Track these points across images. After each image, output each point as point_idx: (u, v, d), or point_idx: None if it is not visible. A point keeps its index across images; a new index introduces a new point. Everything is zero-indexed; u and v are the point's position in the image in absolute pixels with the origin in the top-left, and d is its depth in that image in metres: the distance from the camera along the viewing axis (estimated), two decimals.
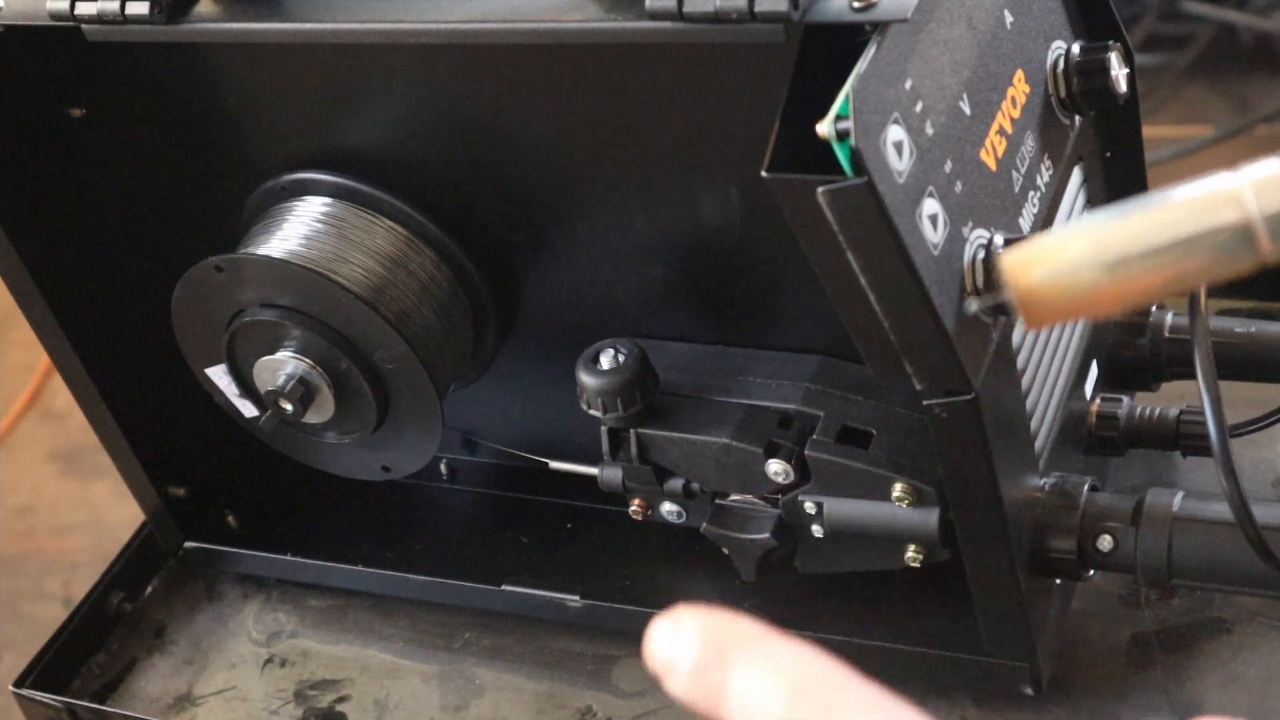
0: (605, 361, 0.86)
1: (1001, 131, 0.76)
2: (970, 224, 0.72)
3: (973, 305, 0.53)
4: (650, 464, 0.88)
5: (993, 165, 0.75)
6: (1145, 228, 0.46)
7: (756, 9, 0.69)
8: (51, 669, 0.98)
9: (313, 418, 0.91)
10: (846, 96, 0.65)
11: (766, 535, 0.88)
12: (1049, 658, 0.85)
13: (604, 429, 0.88)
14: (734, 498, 0.89)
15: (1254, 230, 0.45)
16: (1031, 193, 0.78)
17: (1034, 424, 0.81)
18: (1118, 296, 0.47)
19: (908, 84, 0.69)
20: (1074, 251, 0.47)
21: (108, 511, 1.99)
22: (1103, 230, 0.47)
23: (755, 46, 0.71)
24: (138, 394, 0.97)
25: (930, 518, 0.82)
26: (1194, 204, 0.46)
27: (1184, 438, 0.89)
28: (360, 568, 0.99)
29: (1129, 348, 0.92)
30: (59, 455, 2.11)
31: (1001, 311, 0.50)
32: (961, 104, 0.73)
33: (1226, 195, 0.45)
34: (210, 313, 0.91)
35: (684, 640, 0.42)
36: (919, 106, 0.69)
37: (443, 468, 1.03)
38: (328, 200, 0.89)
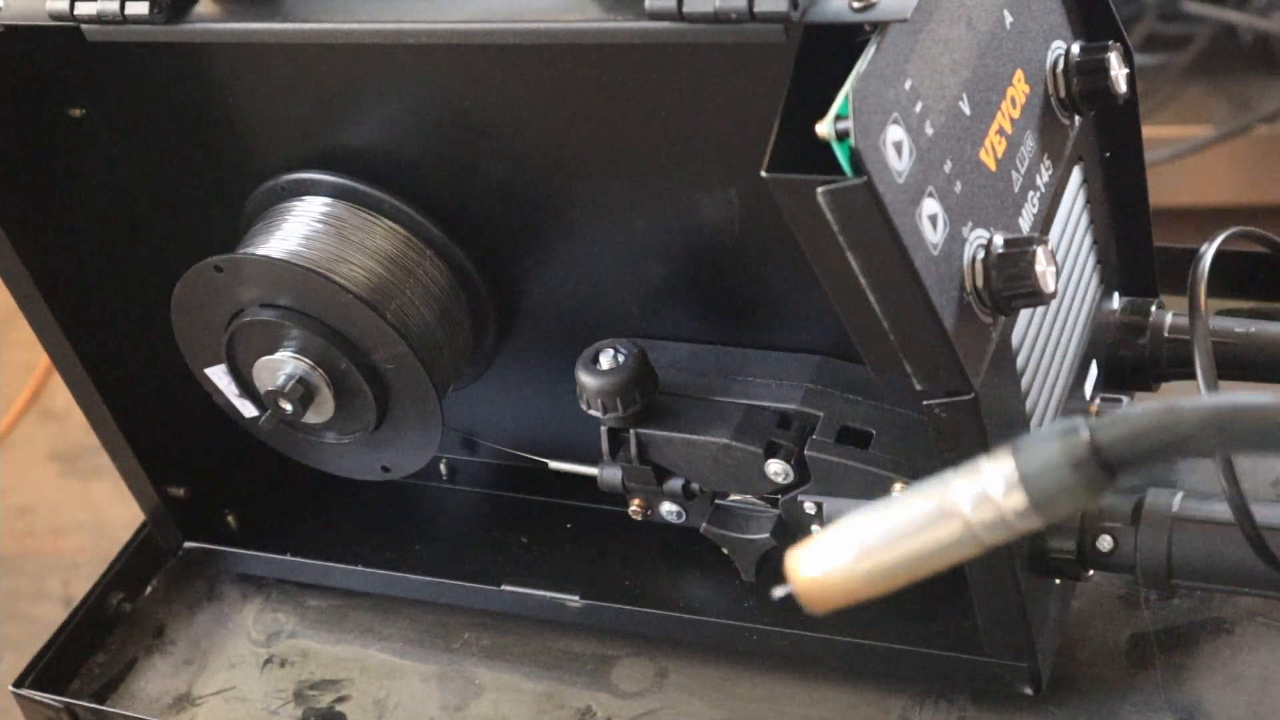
0: (605, 361, 0.86)
1: (1001, 131, 0.76)
2: (970, 224, 0.72)
3: (778, 592, 0.60)
4: (650, 464, 0.88)
5: (992, 165, 0.75)
6: (895, 544, 0.57)
7: (756, 9, 0.69)
8: (51, 669, 0.98)
9: (312, 418, 0.91)
10: (846, 96, 0.65)
11: (766, 535, 0.88)
12: (1049, 658, 0.85)
13: (604, 429, 0.88)
14: (734, 498, 0.89)
15: (974, 535, 0.56)
16: (1031, 193, 0.78)
17: (1034, 424, 0.81)
18: (875, 589, 0.57)
19: (907, 84, 0.69)
20: (838, 556, 0.57)
21: (108, 511, 1.99)
22: (865, 546, 0.57)
23: (755, 46, 0.71)
24: (138, 394, 0.97)
25: None
26: (926, 520, 0.57)
27: None
28: (360, 568, 0.99)
29: (1129, 348, 0.92)
30: (59, 455, 2.11)
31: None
32: (961, 104, 0.73)
33: (951, 511, 0.56)
34: (210, 313, 0.91)
35: None
36: (919, 106, 0.69)
37: (443, 468, 1.03)
38: (328, 200, 0.89)
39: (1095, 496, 0.55)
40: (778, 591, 0.59)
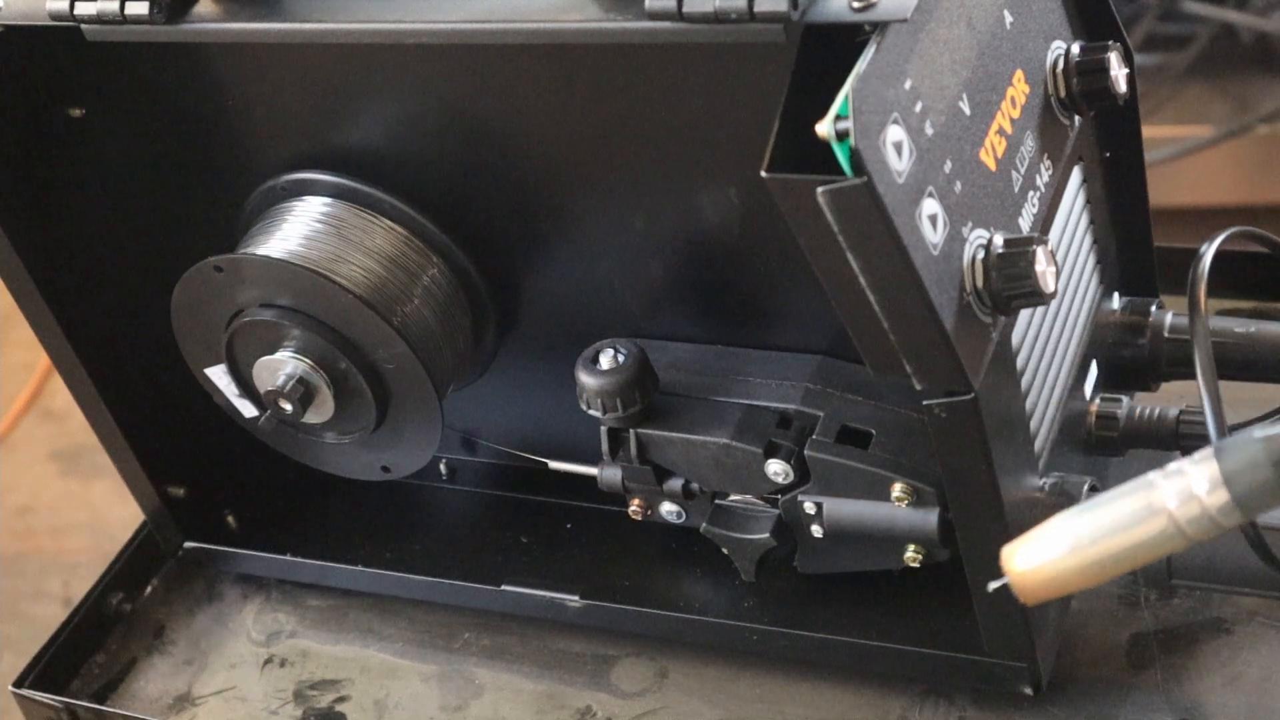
0: (605, 361, 0.86)
1: (1001, 131, 0.76)
2: (970, 224, 0.72)
3: (993, 586, 0.66)
4: (650, 464, 0.88)
5: (992, 165, 0.75)
6: (1102, 536, 0.62)
7: (756, 9, 0.69)
8: (51, 669, 0.98)
9: (312, 418, 0.91)
10: (846, 96, 0.65)
11: (766, 535, 0.88)
12: (1049, 658, 0.85)
13: (604, 429, 0.88)
14: (734, 498, 0.89)
15: (1180, 531, 0.61)
16: (1031, 193, 0.78)
17: (1034, 424, 0.81)
18: (1085, 581, 0.63)
19: (907, 84, 0.69)
20: (1052, 550, 0.63)
21: (108, 511, 1.99)
22: (1077, 541, 0.63)
23: (755, 46, 0.71)
24: (138, 394, 0.97)
25: (930, 518, 0.82)
26: (1134, 517, 0.62)
27: (1184, 438, 0.89)
28: (360, 568, 0.99)
29: (1129, 348, 0.92)
30: (59, 455, 2.11)
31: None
32: (961, 104, 0.73)
33: (1157, 508, 0.61)
34: (210, 313, 0.91)
35: None
36: (919, 106, 0.69)
37: (443, 468, 1.03)
38: (327, 200, 0.89)
39: None
40: (993, 585, 0.65)
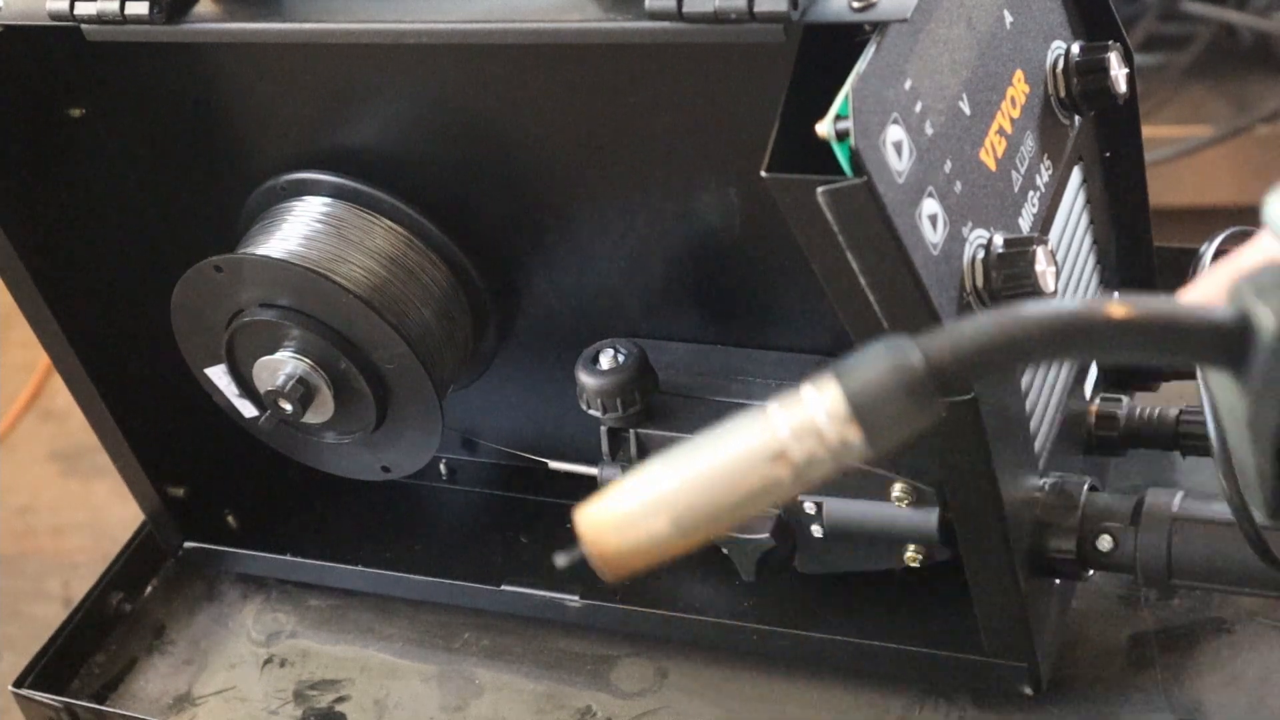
0: (605, 361, 0.86)
1: (1001, 131, 0.76)
2: (970, 224, 0.72)
3: (560, 560, 0.54)
4: None
5: (992, 165, 0.75)
6: (706, 490, 0.51)
7: (756, 9, 0.69)
8: (51, 669, 0.98)
9: (312, 418, 0.91)
10: (846, 96, 0.65)
11: (766, 535, 0.88)
12: (1049, 658, 0.85)
13: (604, 429, 0.88)
14: None
15: (799, 476, 0.51)
16: (1031, 192, 0.78)
17: (1034, 424, 0.81)
18: (688, 548, 0.52)
19: (907, 84, 0.69)
20: (644, 520, 0.51)
21: (108, 511, 1.99)
22: (668, 497, 0.51)
23: (755, 46, 0.71)
24: (138, 394, 0.97)
25: (930, 518, 0.82)
26: (743, 460, 0.51)
27: (1184, 438, 0.89)
28: (360, 568, 0.99)
29: None
30: (59, 455, 2.11)
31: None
32: (961, 104, 0.73)
33: (773, 448, 0.50)
34: (210, 313, 0.91)
35: None
36: (918, 106, 0.69)
37: (443, 468, 1.03)
38: (327, 200, 0.89)
39: (930, 420, 0.50)
40: (561, 559, 0.54)
